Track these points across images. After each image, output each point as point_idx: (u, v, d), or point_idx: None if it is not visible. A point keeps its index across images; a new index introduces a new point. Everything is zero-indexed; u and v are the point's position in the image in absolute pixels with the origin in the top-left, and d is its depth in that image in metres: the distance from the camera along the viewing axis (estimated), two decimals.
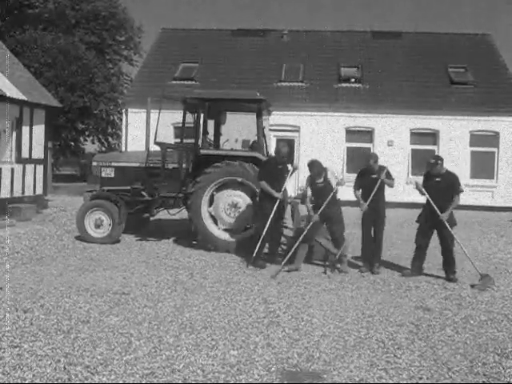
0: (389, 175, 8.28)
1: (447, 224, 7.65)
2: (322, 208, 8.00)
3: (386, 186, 8.28)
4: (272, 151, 10.26)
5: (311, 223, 8.07)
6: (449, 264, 7.92)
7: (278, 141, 9.14)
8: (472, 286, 7.39)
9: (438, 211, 7.58)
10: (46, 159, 15.98)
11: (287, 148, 8.79)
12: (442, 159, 7.79)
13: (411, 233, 12.64)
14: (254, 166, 9.26)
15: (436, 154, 7.37)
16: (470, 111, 19.68)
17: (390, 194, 19.87)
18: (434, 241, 11.33)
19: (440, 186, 7.65)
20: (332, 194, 8.06)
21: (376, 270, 8.19)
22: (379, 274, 8.06)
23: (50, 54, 25.53)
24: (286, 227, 11.06)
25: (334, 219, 8.24)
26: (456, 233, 7.94)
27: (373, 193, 8.09)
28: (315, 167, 8.09)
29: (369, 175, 8.25)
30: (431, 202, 7.64)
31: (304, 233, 8.06)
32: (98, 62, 28.49)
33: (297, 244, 8.11)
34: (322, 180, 8.11)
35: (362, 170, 8.49)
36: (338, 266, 8.20)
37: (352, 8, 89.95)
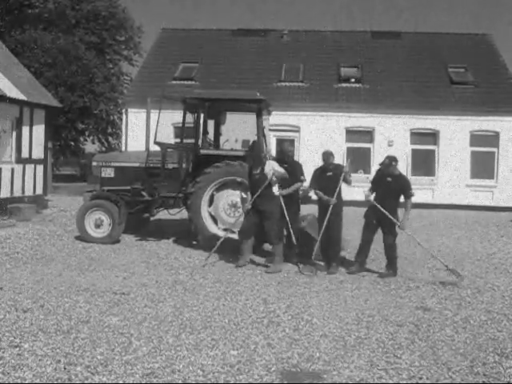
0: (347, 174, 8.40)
1: (406, 230, 8.10)
2: (251, 200, 7.99)
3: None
4: (272, 151, 10.25)
5: (244, 216, 8.11)
6: (389, 259, 8.06)
7: (281, 141, 9.09)
8: (442, 283, 7.48)
9: (392, 218, 7.90)
10: (46, 159, 15.99)
11: (291, 147, 8.83)
12: (396, 160, 7.90)
13: (411, 232, 12.66)
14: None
15: (391, 154, 7.87)
16: (470, 111, 19.67)
17: None
18: (433, 241, 11.34)
19: (390, 186, 7.85)
20: (265, 187, 7.90)
21: (332, 269, 8.03)
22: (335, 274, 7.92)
23: (50, 53, 25.54)
24: None
25: (267, 213, 8.01)
26: (412, 234, 7.97)
27: (337, 190, 8.10)
28: (252, 158, 8.16)
29: (325, 173, 8.27)
30: (377, 204, 7.85)
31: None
32: (98, 62, 28.49)
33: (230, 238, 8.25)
34: (258, 171, 8.05)
35: (318, 169, 8.45)
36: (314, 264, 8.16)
37: (352, 8, 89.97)
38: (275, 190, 8.11)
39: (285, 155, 8.80)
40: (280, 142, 9.39)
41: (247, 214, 8.08)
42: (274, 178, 7.99)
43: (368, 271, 8.20)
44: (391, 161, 7.86)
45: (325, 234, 8.06)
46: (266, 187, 7.95)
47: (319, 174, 8.29)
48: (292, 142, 20.25)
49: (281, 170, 8.07)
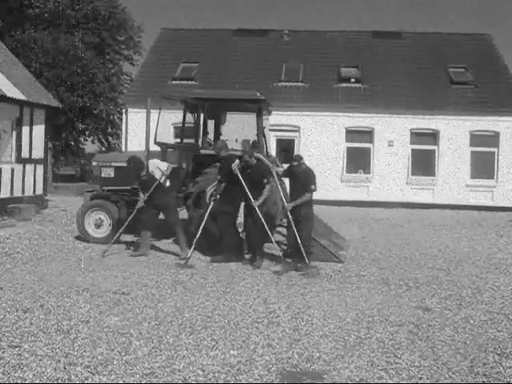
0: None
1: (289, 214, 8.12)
2: (144, 197, 8.68)
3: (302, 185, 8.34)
4: (272, 151, 10.26)
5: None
6: (305, 252, 8.14)
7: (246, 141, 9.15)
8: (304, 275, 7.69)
9: (285, 203, 8.25)
10: (46, 159, 16.00)
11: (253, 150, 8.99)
12: (302, 158, 8.38)
13: (410, 233, 12.71)
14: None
15: (298, 154, 8.37)
16: (470, 111, 19.68)
17: (390, 195, 19.88)
18: (434, 241, 11.37)
19: (299, 180, 8.27)
20: (157, 185, 8.61)
21: (299, 268, 8.09)
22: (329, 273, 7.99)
23: (50, 53, 25.53)
24: (286, 227, 11.06)
25: (162, 206, 8.83)
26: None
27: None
28: (132, 163, 8.78)
29: (294, 174, 8.41)
30: (284, 200, 8.29)
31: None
32: (98, 61, 28.50)
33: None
34: (144, 173, 8.73)
35: (289, 169, 8.57)
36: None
37: (352, 8, 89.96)
38: (167, 184, 8.84)
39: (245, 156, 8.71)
40: (246, 142, 9.39)
41: (141, 210, 8.81)
42: (163, 176, 8.70)
43: (368, 271, 8.19)
44: (299, 162, 8.30)
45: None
46: (158, 184, 8.65)
47: (290, 175, 8.57)
48: (291, 142, 20.29)
49: (164, 167, 8.76)
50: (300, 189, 8.20)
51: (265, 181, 8.38)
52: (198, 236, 8.37)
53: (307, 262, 7.98)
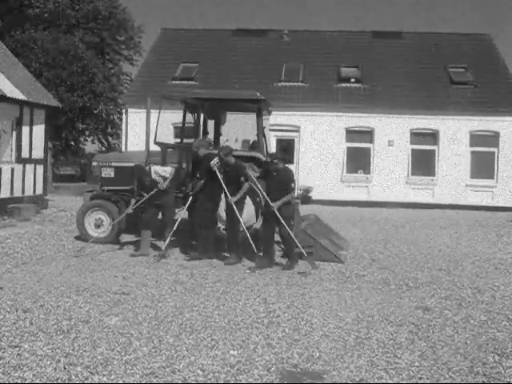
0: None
1: (277, 213, 8.13)
2: (140, 202, 8.99)
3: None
4: (272, 151, 10.27)
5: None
6: (288, 251, 8.42)
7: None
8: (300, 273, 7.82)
9: (270, 202, 8.17)
10: (46, 159, 16.00)
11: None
12: (278, 158, 8.44)
13: (410, 233, 12.71)
14: (253, 165, 9.26)
15: (276, 153, 8.50)
16: (470, 111, 19.68)
17: (390, 195, 19.87)
18: (434, 241, 11.37)
19: (274, 180, 8.33)
20: (153, 193, 8.89)
21: (286, 266, 8.19)
22: (291, 270, 8.05)
23: (50, 53, 25.52)
24: None
25: (166, 206, 9.07)
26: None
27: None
28: (137, 171, 9.22)
29: (270, 173, 8.50)
30: (266, 197, 8.31)
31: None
32: (98, 61, 28.48)
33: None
34: (148, 179, 9.02)
35: (265, 171, 8.68)
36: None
37: (352, 8, 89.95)
38: (164, 185, 9.02)
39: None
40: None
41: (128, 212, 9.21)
42: (162, 180, 8.99)
43: (368, 271, 8.20)
44: (273, 159, 8.44)
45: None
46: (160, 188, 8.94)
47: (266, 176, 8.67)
48: (291, 142, 20.29)
49: (165, 172, 9.08)
50: (279, 188, 8.24)
51: (242, 179, 8.49)
52: (171, 232, 8.69)
53: (298, 260, 8.21)
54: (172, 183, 9.24)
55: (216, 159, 8.64)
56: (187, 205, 8.88)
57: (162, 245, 8.84)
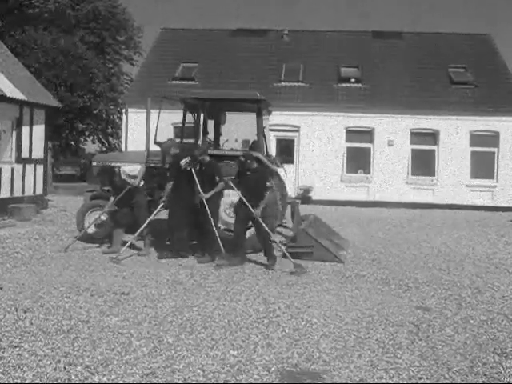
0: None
1: (259, 218, 8.23)
2: (114, 200, 8.98)
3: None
4: (272, 151, 10.27)
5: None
6: (266, 249, 8.40)
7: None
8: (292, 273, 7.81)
9: (250, 207, 8.18)
10: (46, 159, 15.99)
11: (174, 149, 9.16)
12: (252, 157, 8.50)
13: (410, 233, 12.71)
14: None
15: (250, 152, 8.55)
16: (470, 111, 19.68)
17: (390, 195, 19.87)
18: (434, 241, 11.36)
19: (250, 179, 8.40)
20: (125, 192, 8.88)
21: (269, 266, 8.24)
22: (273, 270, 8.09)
23: (50, 53, 25.53)
24: (286, 227, 11.07)
25: (138, 205, 9.03)
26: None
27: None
28: (103, 171, 9.31)
29: (244, 173, 8.56)
30: (242, 197, 8.29)
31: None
32: (98, 61, 28.48)
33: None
34: (117, 179, 9.04)
35: (240, 168, 8.71)
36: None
37: (352, 8, 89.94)
38: (137, 182, 9.07)
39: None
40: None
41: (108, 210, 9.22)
42: (133, 180, 9.01)
43: (368, 271, 8.20)
44: (246, 159, 8.42)
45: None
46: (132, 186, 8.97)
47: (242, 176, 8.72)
48: (291, 142, 20.28)
49: (134, 171, 9.10)
50: (255, 188, 8.29)
51: (217, 179, 8.55)
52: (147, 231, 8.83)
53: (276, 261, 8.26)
54: (148, 182, 9.33)
55: (186, 159, 8.71)
56: (158, 208, 8.89)
57: (141, 245, 8.89)
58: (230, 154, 9.66)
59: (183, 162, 8.68)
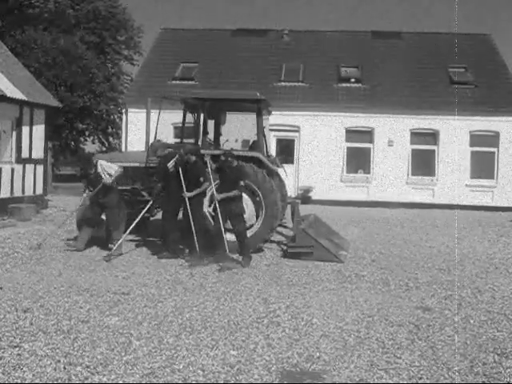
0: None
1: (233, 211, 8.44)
2: (88, 194, 9.10)
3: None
4: (272, 151, 10.28)
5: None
6: (241, 246, 8.53)
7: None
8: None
9: (217, 196, 8.46)
10: (46, 159, 15.99)
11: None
12: (232, 155, 8.63)
13: (410, 233, 12.71)
14: (253, 165, 9.27)
15: (229, 151, 8.70)
16: (470, 111, 19.67)
17: (390, 195, 19.88)
18: (434, 241, 11.36)
19: (228, 176, 8.56)
20: (102, 185, 8.89)
21: (242, 263, 8.31)
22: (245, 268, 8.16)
23: (50, 53, 25.54)
24: (286, 227, 11.07)
25: (106, 204, 9.04)
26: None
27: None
28: (82, 161, 9.54)
29: (223, 170, 8.68)
30: (215, 192, 8.54)
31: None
32: (98, 61, 28.49)
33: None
34: (92, 172, 9.04)
35: (219, 165, 8.81)
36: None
37: (352, 8, 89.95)
38: (109, 180, 9.02)
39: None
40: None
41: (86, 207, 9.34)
42: (108, 176, 8.96)
43: (368, 271, 8.20)
44: (227, 157, 8.58)
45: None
46: (104, 183, 8.91)
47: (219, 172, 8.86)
48: (291, 142, 20.29)
49: (111, 168, 9.03)
50: (229, 185, 8.44)
51: (201, 179, 8.61)
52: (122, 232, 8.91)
53: (227, 250, 8.30)
54: (119, 184, 9.35)
55: (172, 161, 8.79)
56: (146, 208, 8.94)
57: (114, 246, 8.81)
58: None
59: (170, 164, 8.76)
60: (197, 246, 8.32)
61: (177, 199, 8.71)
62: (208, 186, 8.70)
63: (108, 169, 9.04)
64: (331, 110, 20.03)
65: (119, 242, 8.72)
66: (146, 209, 8.98)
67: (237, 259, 8.46)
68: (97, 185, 8.91)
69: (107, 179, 8.91)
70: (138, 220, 8.87)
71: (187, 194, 8.51)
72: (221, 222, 8.33)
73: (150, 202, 9.01)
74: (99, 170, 8.96)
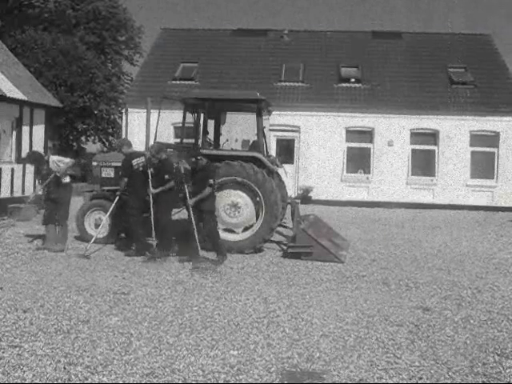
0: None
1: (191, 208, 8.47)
2: (40, 189, 9.36)
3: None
4: (272, 151, 10.28)
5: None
6: (214, 246, 8.57)
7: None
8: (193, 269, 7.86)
9: (188, 197, 8.52)
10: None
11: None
12: (200, 155, 8.79)
13: (410, 233, 12.71)
14: (253, 165, 9.27)
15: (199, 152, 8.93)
16: (470, 111, 19.68)
17: (390, 195, 19.86)
18: (434, 241, 11.37)
19: (199, 175, 8.64)
20: (54, 179, 9.05)
21: (218, 262, 8.31)
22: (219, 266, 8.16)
23: (50, 53, 25.52)
24: (286, 227, 11.07)
25: (56, 200, 9.22)
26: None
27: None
28: (33, 158, 9.67)
29: (194, 170, 8.76)
30: (187, 192, 8.56)
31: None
32: (99, 61, 28.49)
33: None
34: (45, 167, 9.17)
35: (192, 169, 8.91)
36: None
37: (352, 8, 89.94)
38: (65, 179, 9.29)
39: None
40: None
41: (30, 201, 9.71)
42: (61, 165, 9.10)
43: (368, 271, 8.20)
44: (196, 157, 8.69)
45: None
46: (55, 178, 9.03)
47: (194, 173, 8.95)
48: (291, 141, 20.29)
49: (63, 163, 9.15)
50: (199, 184, 8.51)
51: (166, 176, 8.68)
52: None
53: (199, 254, 8.25)
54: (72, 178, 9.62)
55: (138, 159, 8.91)
56: (113, 205, 9.02)
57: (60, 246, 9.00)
58: (230, 154, 9.66)
59: (135, 162, 8.91)
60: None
61: (142, 196, 8.82)
62: (173, 184, 8.74)
63: (60, 163, 9.14)
64: (331, 110, 20.04)
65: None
66: (113, 203, 9.02)
67: (210, 258, 8.40)
68: (45, 181, 9.05)
69: (60, 169, 8.98)
70: (110, 212, 9.02)
71: (152, 191, 8.61)
72: (193, 221, 8.36)
73: (117, 193, 9.02)
74: (51, 165, 9.04)
